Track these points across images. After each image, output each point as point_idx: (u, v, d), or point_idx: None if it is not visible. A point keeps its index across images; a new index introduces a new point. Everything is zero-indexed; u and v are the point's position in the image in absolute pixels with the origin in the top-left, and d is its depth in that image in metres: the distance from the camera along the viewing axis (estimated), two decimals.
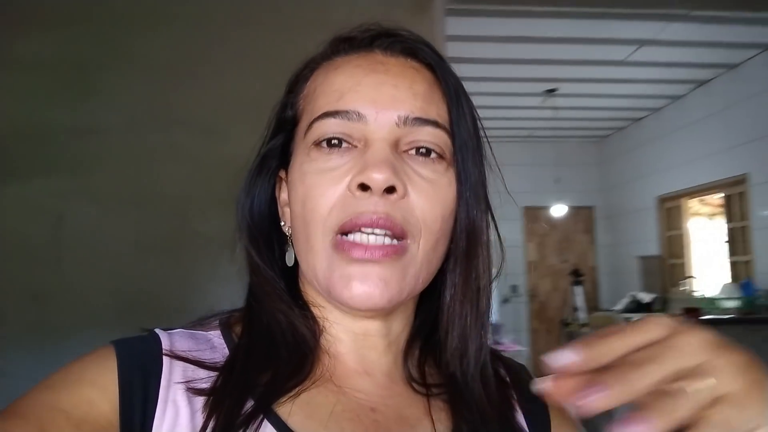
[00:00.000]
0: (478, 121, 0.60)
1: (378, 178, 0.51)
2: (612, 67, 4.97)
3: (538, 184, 6.94)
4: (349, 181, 0.53)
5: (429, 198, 0.54)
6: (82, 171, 2.08)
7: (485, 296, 0.59)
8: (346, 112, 0.54)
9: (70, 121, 2.09)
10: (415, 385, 0.59)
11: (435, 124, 0.55)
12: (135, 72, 2.11)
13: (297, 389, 0.53)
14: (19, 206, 2.05)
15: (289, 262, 0.61)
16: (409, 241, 0.54)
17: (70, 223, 2.06)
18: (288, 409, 0.52)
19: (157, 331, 0.55)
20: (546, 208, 7.20)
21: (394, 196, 0.52)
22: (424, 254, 0.55)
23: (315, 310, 0.59)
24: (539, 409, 0.63)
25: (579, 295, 6.26)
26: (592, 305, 6.91)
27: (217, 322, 0.59)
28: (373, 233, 0.52)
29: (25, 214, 2.06)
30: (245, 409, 0.50)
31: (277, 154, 0.61)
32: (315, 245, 0.54)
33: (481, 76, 5.04)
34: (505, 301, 6.95)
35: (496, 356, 0.65)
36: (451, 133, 0.56)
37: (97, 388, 0.48)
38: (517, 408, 0.62)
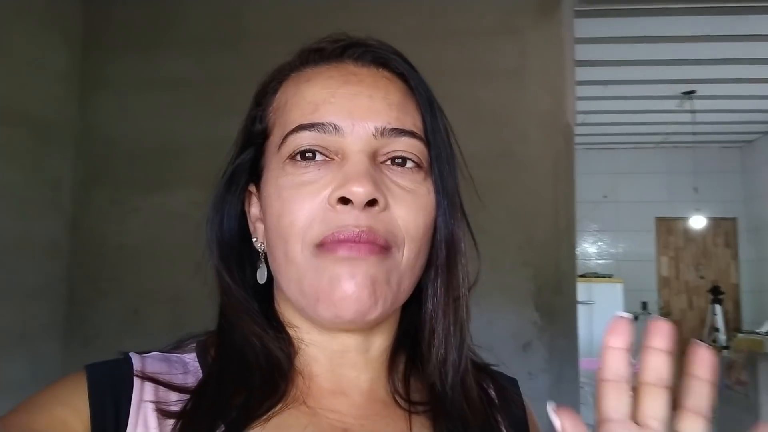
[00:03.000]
0: (450, 131, 0.60)
1: (359, 191, 0.50)
2: (758, 65, 4.52)
3: (673, 193, 6.49)
4: (328, 194, 0.52)
5: (410, 208, 0.54)
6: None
7: (464, 305, 0.59)
8: (322, 124, 0.53)
9: (208, 135, 2.22)
10: (398, 399, 0.58)
11: (411, 134, 0.55)
12: None
13: (269, 413, 0.52)
14: (163, 215, 2.22)
15: (261, 279, 0.59)
16: (393, 250, 0.53)
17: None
18: None
19: (131, 354, 0.55)
20: (683, 219, 6.70)
21: (375, 209, 0.52)
22: (407, 262, 0.54)
23: (290, 331, 0.58)
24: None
25: (719, 315, 5.77)
26: (734, 326, 6.34)
27: (195, 344, 0.59)
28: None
29: (168, 223, 2.22)
30: None
31: (246, 169, 0.60)
32: (295, 258, 0.53)
33: (612, 79, 4.77)
34: (634, 318, 6.54)
35: (487, 372, 0.65)
36: (427, 143, 0.56)
37: (70, 408, 0.49)
38: (503, 430, 0.61)
